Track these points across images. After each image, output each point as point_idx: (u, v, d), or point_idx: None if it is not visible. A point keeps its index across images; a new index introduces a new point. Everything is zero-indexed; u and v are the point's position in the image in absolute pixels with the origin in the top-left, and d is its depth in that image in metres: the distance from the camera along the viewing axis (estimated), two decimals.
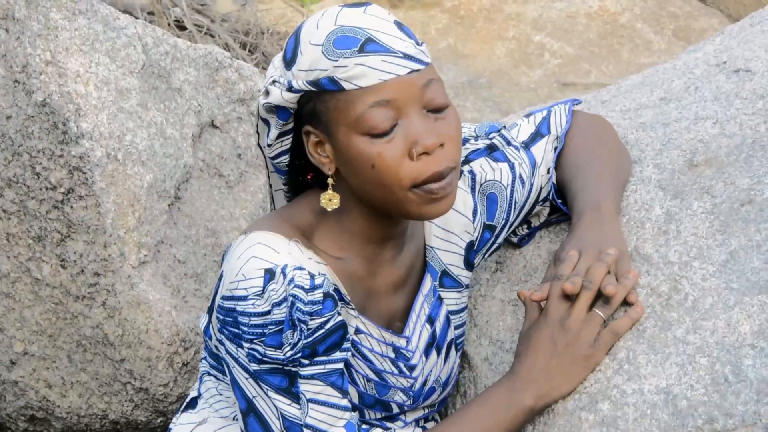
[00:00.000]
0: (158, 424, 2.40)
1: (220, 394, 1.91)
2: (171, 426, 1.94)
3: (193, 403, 1.94)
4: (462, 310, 1.98)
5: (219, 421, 1.90)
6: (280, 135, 1.82)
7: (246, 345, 1.75)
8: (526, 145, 2.00)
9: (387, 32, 1.75)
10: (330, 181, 1.79)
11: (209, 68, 2.47)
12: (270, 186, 1.93)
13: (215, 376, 1.91)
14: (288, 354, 1.74)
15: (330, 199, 1.79)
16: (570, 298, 1.79)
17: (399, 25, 1.78)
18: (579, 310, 1.79)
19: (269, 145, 1.83)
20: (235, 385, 1.79)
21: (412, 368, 1.90)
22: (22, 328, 2.38)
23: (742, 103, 2.06)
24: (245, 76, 2.51)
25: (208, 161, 2.44)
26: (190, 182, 2.39)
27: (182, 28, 4.41)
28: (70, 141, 2.25)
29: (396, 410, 1.91)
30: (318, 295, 1.74)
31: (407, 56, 1.75)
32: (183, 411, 1.95)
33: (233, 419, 1.90)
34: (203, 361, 1.94)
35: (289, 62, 1.78)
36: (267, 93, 1.79)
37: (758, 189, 1.90)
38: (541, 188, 2.01)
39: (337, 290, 1.79)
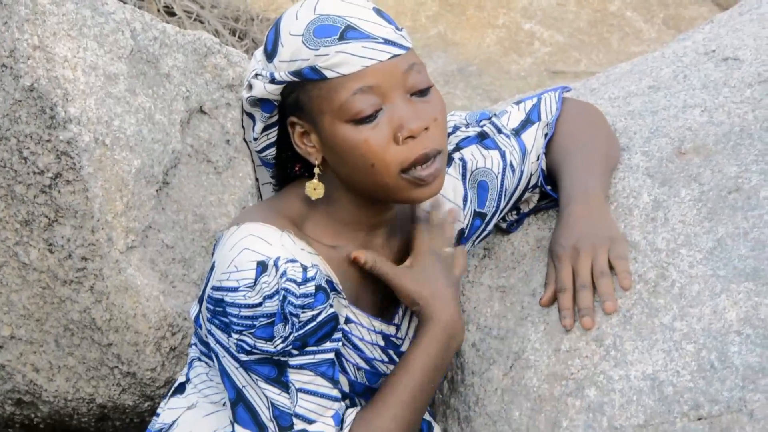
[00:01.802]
0: (145, 408, 2.41)
1: (211, 380, 1.91)
2: (159, 410, 1.95)
3: (181, 388, 1.94)
4: None
5: (208, 406, 1.90)
6: (266, 128, 1.82)
7: (235, 336, 1.75)
8: (517, 132, 2.00)
9: (366, 19, 1.75)
10: (316, 170, 1.79)
11: (198, 54, 2.47)
12: (257, 179, 1.93)
13: (206, 363, 1.91)
14: (279, 347, 1.74)
15: (314, 188, 1.79)
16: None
17: (378, 12, 1.78)
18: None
19: (255, 139, 1.83)
20: (224, 374, 1.79)
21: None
22: (9, 312, 2.38)
23: (730, 92, 2.06)
24: (234, 62, 2.51)
25: (197, 147, 2.44)
26: (178, 168, 2.39)
27: (171, 14, 4.39)
28: (57, 126, 2.25)
29: None
30: (310, 287, 1.74)
31: (388, 41, 1.75)
32: (171, 395, 1.95)
33: (222, 405, 1.90)
34: (193, 347, 1.94)
35: (270, 54, 1.78)
36: (250, 87, 1.79)
37: (745, 177, 1.91)
38: (531, 175, 2.01)
39: (329, 281, 1.79)
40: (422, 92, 1.77)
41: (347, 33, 1.74)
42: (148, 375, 2.34)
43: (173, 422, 1.90)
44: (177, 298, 2.34)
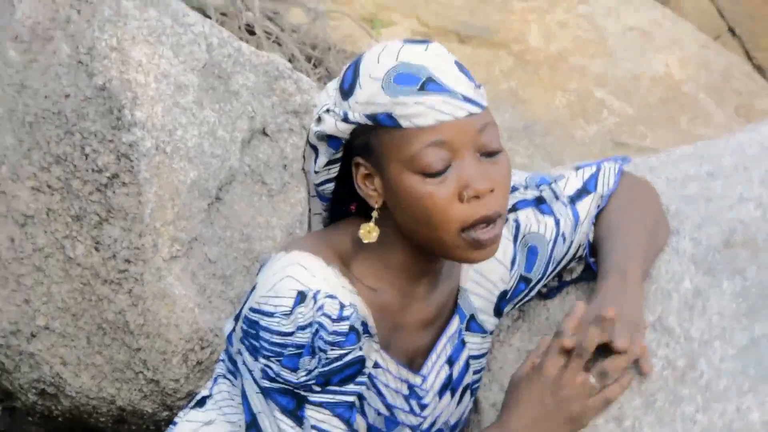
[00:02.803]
0: (163, 417, 2.42)
1: (232, 399, 1.91)
2: (176, 420, 1.95)
3: (202, 402, 1.95)
4: (483, 356, 1.97)
5: (226, 425, 1.90)
6: (329, 163, 1.82)
7: (262, 360, 1.76)
8: (572, 201, 2.00)
9: (448, 72, 1.76)
10: (374, 214, 1.80)
11: (269, 76, 2.49)
12: (309, 210, 1.94)
13: (231, 381, 1.92)
14: (302, 379, 1.74)
15: (369, 231, 1.79)
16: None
17: (459, 66, 1.79)
18: (570, 373, 1.79)
19: (316, 172, 1.84)
20: (244, 397, 1.80)
21: (423, 407, 1.90)
22: (48, 303, 2.41)
23: None
24: (303, 89, 2.53)
25: (254, 167, 2.46)
26: (232, 185, 2.41)
27: (252, 33, 4.44)
28: (122, 128, 2.28)
29: None
30: (344, 326, 1.75)
31: (466, 99, 1.75)
32: (191, 408, 1.95)
33: (239, 426, 1.91)
34: (221, 362, 1.95)
35: (346, 93, 1.79)
36: (319, 120, 1.80)
37: None
38: (579, 245, 2.01)
39: (364, 323, 1.80)
40: (492, 154, 1.77)
41: (427, 85, 1.74)
42: (171, 385, 2.35)
43: None
44: (212, 314, 2.35)
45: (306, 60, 4.49)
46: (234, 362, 1.89)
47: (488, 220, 1.75)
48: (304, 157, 1.86)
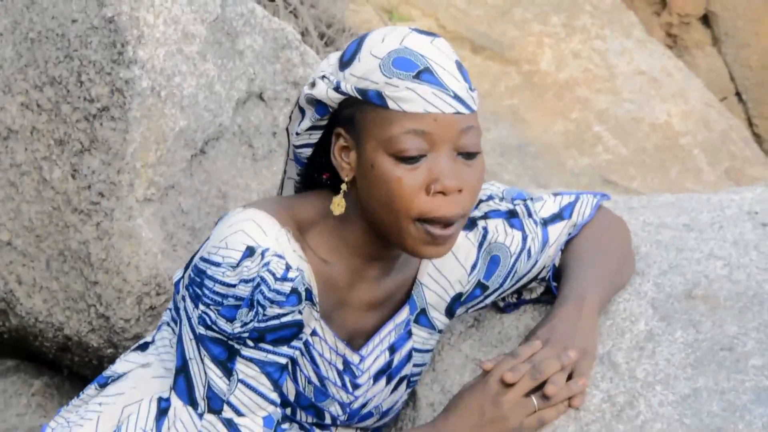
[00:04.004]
0: (107, 354, 2.42)
1: (172, 347, 1.92)
2: (116, 360, 1.97)
3: (144, 346, 1.96)
4: (427, 351, 1.99)
5: (161, 370, 1.91)
6: (312, 128, 1.84)
7: (201, 307, 1.77)
8: (545, 223, 2.01)
9: (446, 68, 1.77)
10: (344, 186, 1.81)
11: (276, 43, 2.49)
12: (284, 172, 1.95)
13: (173, 329, 1.93)
14: (237, 330, 1.76)
15: (339, 204, 1.81)
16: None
17: (459, 66, 1.80)
18: (516, 392, 1.81)
19: (298, 134, 1.85)
20: (179, 342, 1.81)
21: (356, 386, 1.92)
22: (14, 219, 2.40)
23: (758, 256, 2.07)
24: (307, 62, 2.53)
25: (244, 128, 2.46)
26: (219, 142, 2.41)
27: None
28: (122, 63, 2.28)
29: (328, 420, 1.93)
30: (286, 286, 1.76)
31: (457, 97, 1.77)
32: (133, 350, 1.97)
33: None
34: (168, 311, 1.96)
35: (344, 64, 1.80)
36: (313, 84, 1.81)
37: (742, 340, 1.91)
38: (544, 267, 2.03)
39: (308, 290, 1.81)
40: (469, 155, 1.78)
41: (423, 74, 1.76)
42: (120, 324, 2.36)
43: (124, 374, 1.92)
44: (174, 262, 2.35)
45: (318, 37, 4.49)
46: (178, 310, 1.90)
47: (447, 222, 1.77)
48: (290, 117, 1.87)
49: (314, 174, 1.90)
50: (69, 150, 2.33)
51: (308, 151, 1.86)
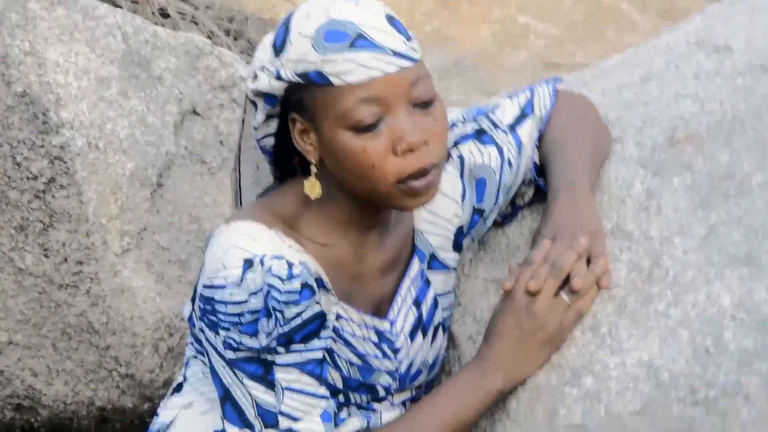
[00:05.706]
0: (145, 409, 2.42)
1: (207, 377, 1.91)
2: (158, 410, 1.96)
3: (179, 388, 1.95)
4: (449, 292, 1.99)
5: (205, 404, 1.91)
6: (267, 118, 1.82)
7: (222, 333, 1.76)
8: (512, 128, 2.01)
9: (378, 28, 1.75)
10: (313, 168, 1.80)
11: (190, 56, 2.47)
12: (238, 180, 1.94)
13: (202, 361, 1.92)
14: (264, 342, 1.75)
15: (312, 186, 1.80)
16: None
17: (390, 20, 1.78)
18: (544, 296, 1.80)
19: (256, 128, 1.84)
20: (214, 373, 1.80)
21: (396, 351, 1.91)
22: (6, 318, 2.39)
23: (722, 81, 2.07)
24: (226, 63, 2.52)
25: (191, 148, 2.45)
26: (172, 169, 2.40)
27: (166, 15, 4.40)
28: (50, 131, 2.26)
29: (382, 393, 1.92)
30: (295, 284, 1.75)
31: (397, 53, 1.75)
32: (170, 395, 1.96)
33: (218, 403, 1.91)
34: (189, 345, 1.95)
35: (278, 50, 1.78)
36: (255, 77, 1.80)
37: (738, 164, 1.91)
38: (527, 170, 2.02)
39: (318, 278, 1.80)
40: (425, 104, 1.77)
41: (357, 41, 1.73)
42: (147, 376, 2.35)
43: (171, 421, 1.91)
44: (174, 299, 2.35)
45: (225, 34, 4.45)
46: (200, 341, 1.89)
47: (423, 173, 1.76)
48: (245, 109, 1.87)
49: (285, 161, 1.88)
50: (32, 232, 2.32)
51: (270, 141, 1.85)
